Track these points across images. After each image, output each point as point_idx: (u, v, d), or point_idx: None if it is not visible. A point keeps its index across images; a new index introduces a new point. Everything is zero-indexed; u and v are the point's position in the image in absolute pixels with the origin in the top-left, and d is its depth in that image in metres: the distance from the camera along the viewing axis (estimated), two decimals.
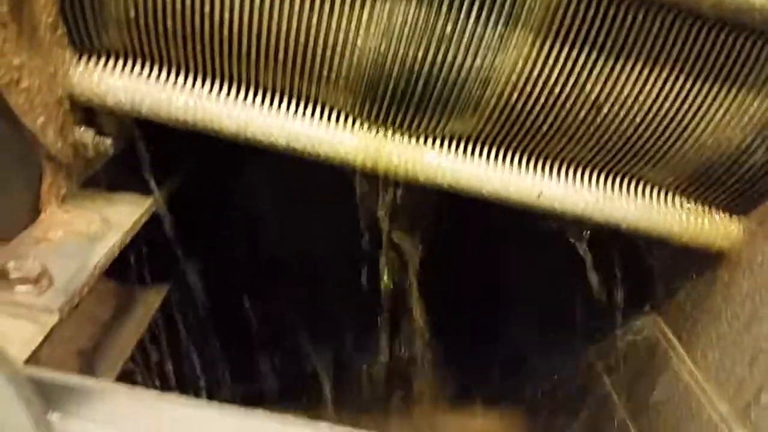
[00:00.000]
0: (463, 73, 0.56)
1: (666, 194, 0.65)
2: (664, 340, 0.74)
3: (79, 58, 0.59)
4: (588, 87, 0.56)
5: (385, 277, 0.80)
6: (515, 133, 0.61)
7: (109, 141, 0.63)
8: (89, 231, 0.62)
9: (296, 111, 0.62)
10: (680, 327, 0.72)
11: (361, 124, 0.62)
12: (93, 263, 0.57)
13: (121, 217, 0.66)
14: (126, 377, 0.74)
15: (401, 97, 0.59)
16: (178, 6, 0.55)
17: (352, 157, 0.62)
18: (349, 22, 0.54)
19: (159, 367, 0.84)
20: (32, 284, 0.51)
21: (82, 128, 0.62)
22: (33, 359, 0.49)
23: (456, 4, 0.53)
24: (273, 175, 0.86)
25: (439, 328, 0.87)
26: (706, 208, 0.66)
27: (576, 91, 0.57)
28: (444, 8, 0.53)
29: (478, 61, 0.55)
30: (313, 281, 0.96)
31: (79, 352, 0.72)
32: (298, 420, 0.50)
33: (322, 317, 0.97)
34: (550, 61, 0.55)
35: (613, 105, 0.57)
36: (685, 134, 0.59)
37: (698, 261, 0.70)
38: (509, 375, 0.92)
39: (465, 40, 0.54)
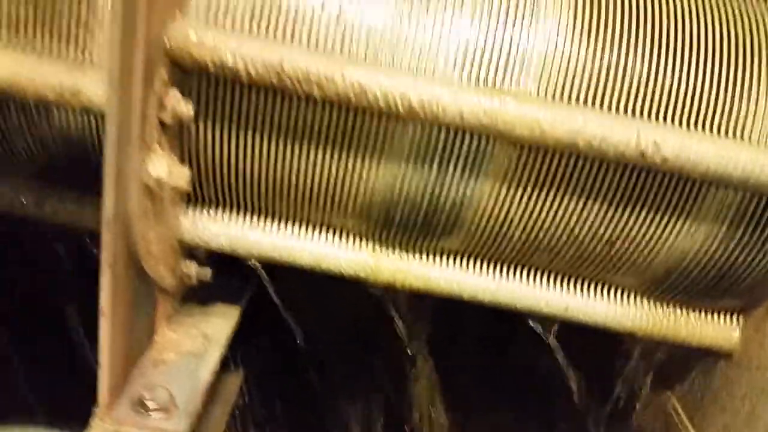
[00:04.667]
0: (448, 206, 0.69)
1: (675, 306, 0.77)
2: (678, 422, 0.85)
3: (186, 210, 0.72)
4: (594, 226, 0.69)
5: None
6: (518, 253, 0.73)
7: (209, 270, 0.76)
8: (194, 349, 0.75)
9: (353, 245, 0.74)
10: (693, 412, 0.83)
11: (399, 254, 0.75)
12: (203, 382, 0.70)
13: (216, 330, 0.79)
14: None
15: (436, 228, 0.71)
16: (264, 173, 0.68)
17: (392, 281, 0.75)
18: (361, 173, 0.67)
19: None
20: (163, 412, 0.64)
21: (187, 262, 0.75)
22: None
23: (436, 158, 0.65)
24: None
25: None
26: (710, 316, 0.78)
27: (566, 227, 0.69)
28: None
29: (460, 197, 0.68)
30: None
31: None
32: None
33: None
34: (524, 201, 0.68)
35: (623, 241, 0.70)
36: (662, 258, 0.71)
37: (710, 354, 0.81)
38: None
39: (449, 184, 0.67)
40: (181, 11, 0.59)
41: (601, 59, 0.65)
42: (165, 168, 0.58)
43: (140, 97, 0.54)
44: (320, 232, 0.74)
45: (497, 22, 0.64)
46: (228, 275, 0.89)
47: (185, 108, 0.59)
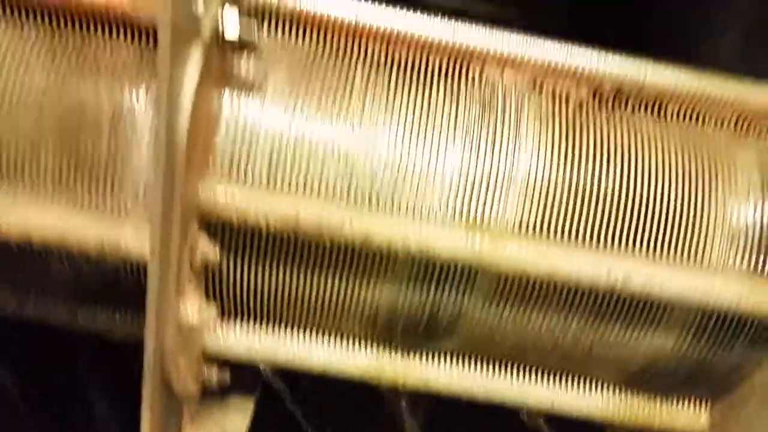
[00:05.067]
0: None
1: (650, 397, 0.85)
2: None
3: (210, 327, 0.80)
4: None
5: None
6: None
7: (227, 375, 0.84)
8: None
9: (359, 350, 0.82)
10: None
11: (401, 357, 0.83)
12: None
13: (234, 425, 0.86)
14: None
15: (434, 334, 0.80)
16: (278, 297, 0.76)
17: (394, 382, 0.82)
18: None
19: None
20: None
21: (208, 368, 0.83)
22: None
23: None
24: None
25: None
26: (682, 404, 0.86)
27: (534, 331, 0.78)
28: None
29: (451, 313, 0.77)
30: None
31: None
32: None
33: None
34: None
35: (600, 347, 0.78)
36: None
37: None
38: None
39: (445, 301, 0.75)
40: (208, 168, 0.67)
41: (576, 189, 0.74)
42: (196, 309, 0.66)
43: (177, 252, 0.62)
44: (329, 339, 0.82)
45: (484, 161, 0.73)
46: (241, 369, 0.97)
47: (213, 253, 0.67)
